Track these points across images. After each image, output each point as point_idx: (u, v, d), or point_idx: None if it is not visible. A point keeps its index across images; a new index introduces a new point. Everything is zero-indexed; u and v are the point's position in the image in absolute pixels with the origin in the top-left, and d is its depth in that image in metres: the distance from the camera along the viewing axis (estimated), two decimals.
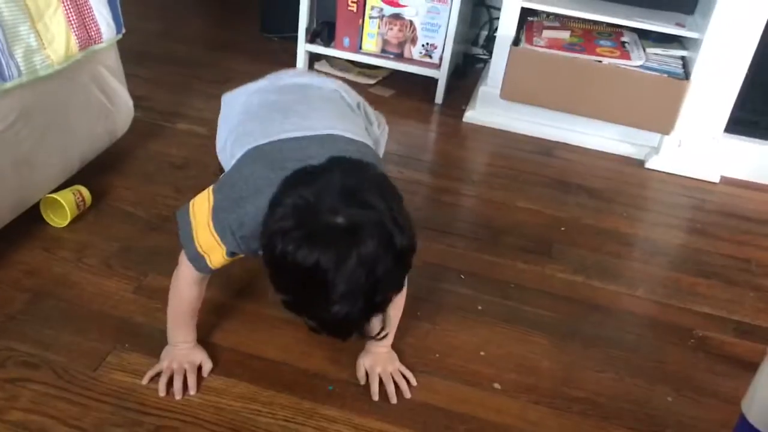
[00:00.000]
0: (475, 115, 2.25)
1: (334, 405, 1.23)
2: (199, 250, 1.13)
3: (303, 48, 2.42)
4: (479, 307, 1.49)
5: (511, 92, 2.12)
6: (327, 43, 2.42)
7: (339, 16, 2.34)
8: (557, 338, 1.43)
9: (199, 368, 1.25)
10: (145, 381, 1.22)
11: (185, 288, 1.21)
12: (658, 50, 2.08)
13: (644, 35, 2.14)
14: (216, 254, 1.13)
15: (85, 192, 1.61)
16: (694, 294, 1.61)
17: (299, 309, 0.98)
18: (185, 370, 1.23)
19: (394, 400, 1.24)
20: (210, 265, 1.15)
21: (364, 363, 1.29)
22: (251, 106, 1.31)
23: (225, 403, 1.21)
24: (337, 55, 2.43)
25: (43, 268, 1.45)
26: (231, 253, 1.12)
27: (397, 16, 2.30)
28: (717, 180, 2.07)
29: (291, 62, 2.44)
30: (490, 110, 2.22)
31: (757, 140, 2.08)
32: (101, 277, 1.44)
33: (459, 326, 1.43)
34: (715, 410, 1.30)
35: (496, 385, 1.31)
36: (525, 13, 2.14)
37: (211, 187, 1.15)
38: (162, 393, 1.20)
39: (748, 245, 1.81)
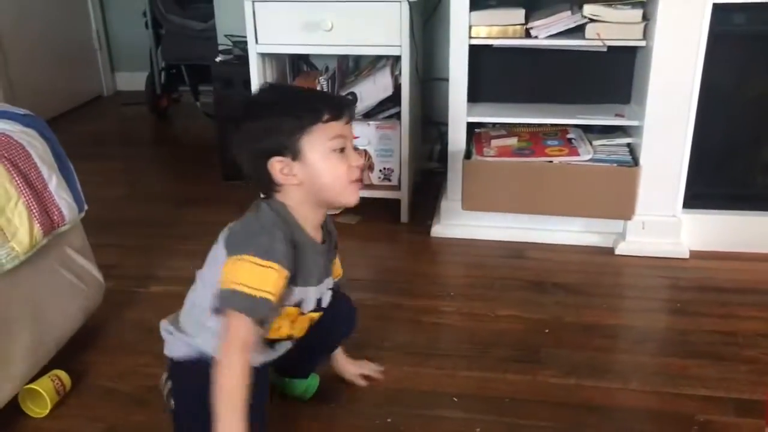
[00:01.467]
0: (441, 229, 2.29)
1: None
2: (256, 294, 1.13)
3: None
4: (477, 430, 1.46)
5: (471, 203, 2.17)
6: None
7: None
8: None
9: None
10: None
11: (241, 356, 1.14)
12: (604, 141, 2.17)
13: (588, 129, 2.22)
14: (273, 278, 1.15)
15: (64, 376, 1.59)
16: (687, 377, 1.60)
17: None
18: None
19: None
20: (272, 297, 1.14)
21: (353, 370, 1.58)
22: None
23: None
24: None
25: None
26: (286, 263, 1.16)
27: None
28: (687, 255, 2.11)
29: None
30: (455, 222, 2.27)
31: (716, 211, 2.13)
32: None
33: None
34: None
35: None
36: (471, 126, 2.23)
37: (232, 258, 1.17)
38: None
39: (729, 317, 1.82)
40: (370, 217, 2.44)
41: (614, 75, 2.19)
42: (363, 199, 2.40)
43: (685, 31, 1.94)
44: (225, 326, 1.16)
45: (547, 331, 1.79)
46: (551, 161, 2.10)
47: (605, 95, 2.22)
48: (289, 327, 1.31)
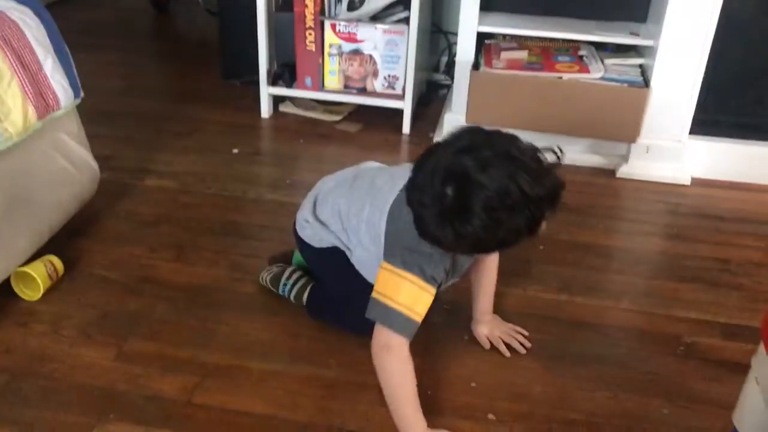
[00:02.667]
0: None
1: None
2: (405, 312, 1.18)
3: (266, 91, 2.42)
4: (465, 338, 1.48)
5: (476, 116, 2.13)
6: (289, 84, 2.42)
7: (298, 57, 2.35)
8: (547, 361, 1.42)
9: None
10: None
11: (404, 365, 1.20)
12: (616, 60, 2.11)
13: (601, 47, 2.16)
14: (422, 298, 1.20)
15: (57, 261, 1.58)
16: (677, 300, 1.61)
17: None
18: None
19: (523, 350, 1.43)
20: (419, 318, 1.20)
21: (483, 331, 1.46)
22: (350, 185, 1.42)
23: None
24: (300, 95, 2.44)
25: (18, 344, 1.41)
26: (434, 279, 1.20)
27: (356, 52, 2.31)
28: (688, 182, 2.09)
29: (255, 106, 2.44)
30: None
31: (722, 139, 2.10)
32: (80, 347, 1.41)
33: (447, 360, 1.42)
34: (712, 417, 1.30)
35: (491, 416, 1.29)
36: (482, 37, 2.16)
37: (386, 264, 1.21)
38: None
39: (725, 245, 1.82)
40: (372, 125, 2.40)
41: None
42: (364, 107, 2.41)
43: None
44: (387, 341, 1.20)
45: (541, 247, 1.79)
46: (561, 77, 2.04)
47: (621, 12, 2.15)
48: None
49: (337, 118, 2.44)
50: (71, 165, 1.67)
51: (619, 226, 1.92)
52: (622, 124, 2.05)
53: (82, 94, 1.69)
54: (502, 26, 2.13)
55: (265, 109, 2.44)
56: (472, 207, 1.03)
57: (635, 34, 2.06)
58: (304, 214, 1.46)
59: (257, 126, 2.41)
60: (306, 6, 2.25)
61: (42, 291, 1.52)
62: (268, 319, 1.50)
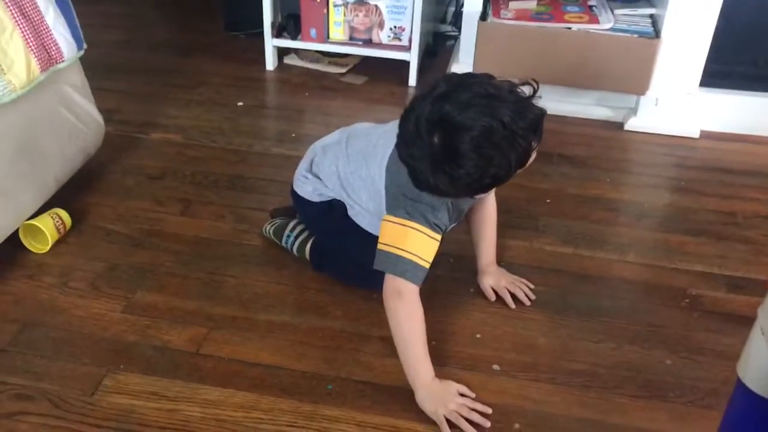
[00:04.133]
0: None
1: (334, 404, 1.22)
2: (414, 259, 1.20)
3: (270, 43, 2.39)
4: (471, 290, 1.48)
5: (483, 67, 2.08)
6: (294, 36, 2.39)
7: (303, 8, 2.31)
8: (552, 313, 1.43)
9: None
10: None
11: (414, 311, 1.21)
12: (626, 11, 2.07)
13: None
14: (429, 246, 1.22)
15: (64, 214, 1.59)
16: (683, 253, 1.61)
17: None
18: (467, 408, 1.20)
19: (528, 302, 1.44)
20: (427, 265, 1.22)
21: (488, 282, 1.46)
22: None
23: (226, 415, 1.20)
24: (305, 47, 2.41)
25: (28, 296, 1.43)
26: (438, 227, 1.23)
27: (361, 2, 2.27)
28: (697, 135, 2.07)
29: (259, 59, 2.41)
30: None
31: (732, 91, 2.07)
32: (88, 299, 1.43)
33: (453, 311, 1.43)
34: (715, 369, 1.31)
35: (496, 367, 1.30)
36: None
37: (390, 217, 1.23)
38: None
39: (732, 198, 1.81)
40: (377, 77, 2.38)
41: None
42: (370, 59, 2.39)
43: None
44: (397, 287, 1.21)
45: (548, 201, 1.78)
46: (570, 28, 2.01)
47: None
48: None
49: (343, 70, 2.42)
50: (76, 118, 1.67)
51: (626, 179, 1.91)
52: (631, 76, 2.02)
53: (85, 45, 1.67)
54: None
55: (270, 62, 2.41)
56: (461, 150, 1.05)
57: None
58: (302, 172, 1.47)
59: (262, 79, 2.39)
60: None
61: (50, 244, 1.54)
62: (275, 272, 1.51)
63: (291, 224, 1.54)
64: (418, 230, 1.21)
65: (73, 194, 1.69)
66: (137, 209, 1.69)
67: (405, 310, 1.21)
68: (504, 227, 1.66)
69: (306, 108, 2.25)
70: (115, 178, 1.81)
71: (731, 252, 1.61)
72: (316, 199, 1.44)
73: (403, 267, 1.20)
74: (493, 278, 1.47)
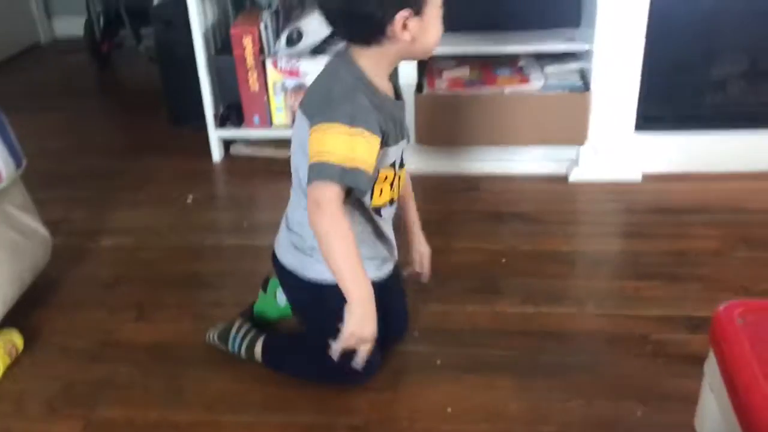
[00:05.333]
0: None
1: None
2: (336, 161, 1.11)
3: (215, 134, 2.41)
4: (438, 362, 1.47)
5: (425, 137, 2.14)
6: (238, 125, 2.41)
7: (243, 97, 2.34)
8: (519, 377, 1.42)
9: None
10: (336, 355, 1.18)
11: (337, 221, 1.13)
12: (555, 67, 2.14)
13: (539, 56, 2.19)
14: (363, 146, 1.12)
15: (16, 336, 1.55)
16: (640, 299, 1.63)
17: None
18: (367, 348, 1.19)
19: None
20: (358, 164, 1.12)
21: (422, 249, 1.50)
22: None
23: None
24: (250, 135, 2.43)
25: None
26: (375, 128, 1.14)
27: (300, 87, 2.31)
28: (640, 178, 2.12)
29: (206, 151, 2.42)
30: (410, 158, 2.23)
31: (668, 132, 2.14)
32: (46, 423, 1.38)
33: (421, 387, 1.41)
34: (686, 414, 1.28)
35: None
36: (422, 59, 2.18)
37: (317, 127, 1.14)
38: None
39: (681, 237, 1.84)
40: None
41: None
42: None
43: None
44: (315, 197, 1.12)
45: (504, 260, 1.80)
46: (503, 91, 2.07)
47: (555, 20, 2.18)
48: (389, 190, 1.29)
49: (290, 153, 2.43)
50: (21, 236, 1.64)
51: (577, 230, 1.94)
52: (568, 128, 2.08)
53: (24, 162, 1.66)
54: (441, 47, 2.13)
55: (216, 153, 2.43)
56: None
57: (571, 40, 2.10)
58: (281, 235, 1.39)
59: (210, 170, 2.40)
60: (244, 48, 2.25)
61: (2, 371, 1.49)
62: (236, 369, 1.48)
63: (236, 324, 1.49)
64: (339, 132, 1.11)
65: (24, 312, 1.65)
66: (92, 320, 1.66)
67: (325, 222, 1.13)
68: (463, 293, 1.68)
69: (257, 195, 2.25)
70: (67, 291, 1.78)
71: (686, 292, 1.64)
72: (300, 271, 1.34)
73: (320, 169, 1.11)
74: (423, 246, 1.51)
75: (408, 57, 1.24)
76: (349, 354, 1.20)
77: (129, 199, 2.20)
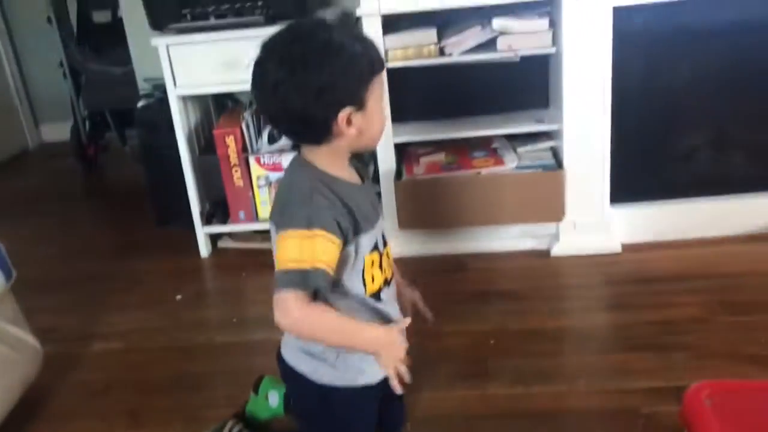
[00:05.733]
0: None
1: None
2: (292, 266, 1.08)
3: (201, 232, 2.45)
4: None
5: (407, 221, 2.19)
6: (224, 221, 2.46)
7: (229, 194, 2.40)
8: None
9: None
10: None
11: (307, 308, 1.10)
12: (528, 147, 2.22)
13: (512, 137, 2.27)
14: (321, 246, 1.09)
15: None
16: (629, 372, 1.64)
17: None
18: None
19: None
20: (323, 265, 1.09)
21: (413, 296, 1.39)
22: None
23: None
24: (236, 230, 2.47)
25: None
26: (339, 230, 1.12)
27: None
28: (619, 250, 2.16)
29: (194, 248, 2.46)
30: (394, 242, 2.27)
31: (641, 203, 2.20)
32: None
33: None
34: None
35: None
36: (400, 145, 2.26)
37: (278, 235, 1.12)
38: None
39: (664, 306, 1.87)
40: None
41: (531, 82, 2.25)
42: None
43: (590, 34, 2.00)
44: (282, 307, 1.10)
45: (492, 342, 1.81)
46: (479, 172, 2.14)
47: (525, 102, 2.27)
48: (380, 273, 1.27)
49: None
50: (10, 349, 1.65)
51: (562, 305, 1.97)
52: (545, 206, 2.13)
53: (14, 274, 1.69)
54: (416, 135, 2.23)
55: (204, 249, 2.46)
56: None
57: (540, 121, 2.18)
58: (289, 339, 1.31)
59: (198, 267, 2.42)
60: (228, 146, 2.32)
61: None
62: None
63: (228, 426, 1.48)
64: (290, 237, 1.10)
65: (14, 426, 1.64)
66: (82, 430, 1.65)
67: (315, 310, 1.12)
68: (452, 378, 1.68)
69: (245, 289, 2.28)
70: (58, 400, 1.77)
71: (674, 362, 1.66)
72: (308, 372, 1.27)
73: (315, 280, 1.09)
74: (410, 292, 1.41)
75: (357, 149, 1.24)
76: None
77: (118, 302, 2.21)
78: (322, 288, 1.13)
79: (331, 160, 1.19)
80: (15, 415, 1.65)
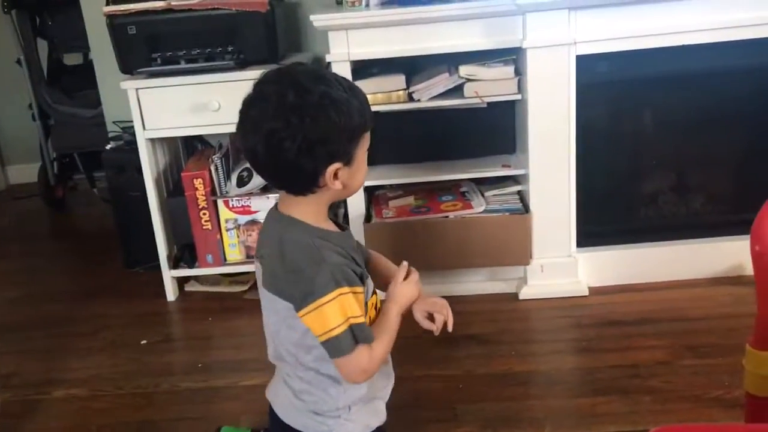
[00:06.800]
0: None
1: None
2: (355, 322, 1.10)
3: (168, 275, 2.43)
4: None
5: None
6: (191, 264, 2.43)
7: (196, 237, 2.38)
8: None
9: None
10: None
11: (374, 351, 1.12)
12: (495, 191, 2.25)
13: (480, 181, 2.30)
14: (351, 301, 1.11)
15: None
16: (596, 416, 1.65)
17: None
18: None
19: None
20: (360, 319, 1.11)
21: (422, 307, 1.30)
22: None
23: None
24: (203, 273, 2.45)
25: None
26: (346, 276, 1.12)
27: (253, 222, 2.36)
28: (587, 293, 2.18)
29: (160, 291, 2.43)
30: None
31: (608, 247, 2.24)
32: None
33: None
34: None
35: None
36: (370, 189, 2.28)
37: (306, 310, 1.11)
38: None
39: (630, 349, 1.89)
40: None
41: (497, 128, 2.29)
42: None
43: (555, 81, 2.05)
44: (351, 371, 1.13)
45: (461, 386, 1.81)
46: (447, 216, 2.15)
47: (492, 147, 2.31)
48: (375, 314, 1.24)
49: (245, 288, 2.46)
50: None
51: (530, 348, 1.98)
52: (512, 249, 2.15)
53: None
54: (385, 179, 2.25)
55: (171, 293, 2.43)
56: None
57: (507, 166, 2.22)
58: (290, 402, 1.25)
59: (164, 311, 2.39)
60: (196, 189, 2.32)
61: None
62: None
63: None
64: (326, 301, 1.10)
65: None
66: None
67: (374, 350, 1.13)
68: (421, 423, 1.67)
69: (212, 333, 2.25)
70: None
71: (639, 405, 1.67)
72: (317, 429, 1.23)
73: (343, 344, 1.11)
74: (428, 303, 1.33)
75: (338, 199, 1.26)
76: None
77: (82, 347, 2.17)
78: (370, 337, 1.14)
79: (315, 211, 1.18)
80: None
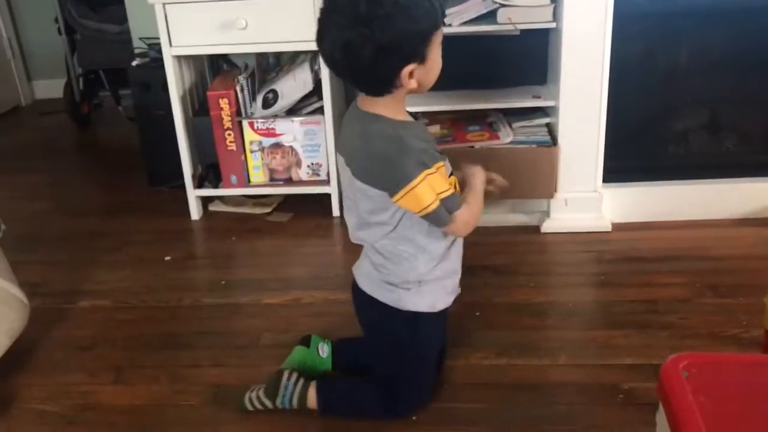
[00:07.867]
0: None
1: None
2: (446, 195, 1.29)
3: (193, 194, 2.45)
4: (414, 418, 1.49)
5: None
6: (215, 185, 2.45)
7: (221, 157, 2.39)
8: (494, 430, 1.44)
9: None
10: None
11: (468, 209, 1.36)
12: (523, 123, 2.21)
13: (508, 112, 2.26)
14: (441, 179, 1.29)
15: None
16: (612, 348, 1.66)
17: None
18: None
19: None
20: (453, 189, 1.32)
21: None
22: None
23: None
24: (227, 194, 2.47)
25: None
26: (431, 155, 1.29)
27: (277, 145, 2.36)
28: (609, 229, 2.17)
29: (185, 210, 2.45)
30: None
31: (634, 183, 2.20)
32: None
33: None
34: None
35: None
36: None
37: (403, 192, 1.26)
38: None
39: (650, 285, 1.89)
40: (302, 213, 2.44)
41: (529, 57, 2.23)
42: (293, 196, 2.45)
43: (591, 11, 1.98)
44: (454, 230, 1.36)
45: (477, 314, 1.83)
46: (473, 146, 2.13)
47: (522, 77, 2.26)
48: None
49: (267, 210, 2.48)
50: None
51: (549, 281, 1.98)
52: (538, 182, 2.13)
53: (3, 227, 1.69)
54: (411, 105, 2.20)
55: (195, 212, 2.46)
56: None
57: (537, 97, 2.18)
58: (369, 271, 1.44)
59: (188, 229, 2.42)
60: (222, 109, 2.31)
61: None
62: (215, 431, 1.49)
63: (285, 375, 1.48)
64: (419, 181, 1.24)
65: (0, 376, 1.65)
66: (69, 384, 1.66)
67: (468, 209, 1.35)
68: None
69: (234, 253, 2.28)
70: (44, 354, 1.78)
71: (656, 340, 1.67)
72: (391, 300, 1.41)
73: (453, 204, 1.30)
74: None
75: (414, 93, 1.32)
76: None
77: (107, 261, 2.21)
78: (457, 205, 1.32)
79: (394, 107, 1.31)
80: (1, 366, 1.66)
